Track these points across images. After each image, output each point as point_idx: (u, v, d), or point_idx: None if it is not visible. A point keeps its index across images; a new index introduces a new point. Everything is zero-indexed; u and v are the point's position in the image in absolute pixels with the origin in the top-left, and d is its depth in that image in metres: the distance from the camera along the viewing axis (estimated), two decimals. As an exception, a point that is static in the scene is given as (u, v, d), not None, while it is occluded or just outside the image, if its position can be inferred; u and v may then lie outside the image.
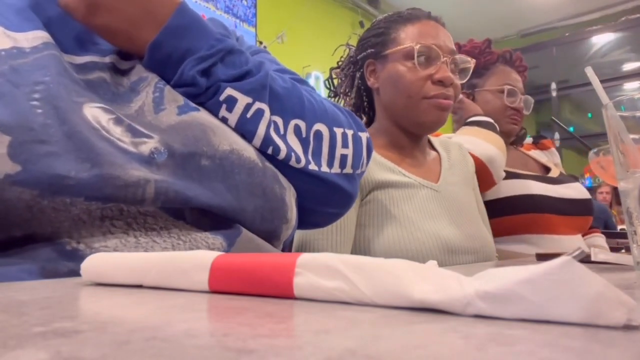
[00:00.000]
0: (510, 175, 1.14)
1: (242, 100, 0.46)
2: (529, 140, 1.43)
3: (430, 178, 0.89)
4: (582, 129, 4.40)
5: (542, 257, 0.59)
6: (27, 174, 0.33)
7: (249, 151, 0.45)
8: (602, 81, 0.51)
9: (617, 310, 0.15)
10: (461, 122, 1.17)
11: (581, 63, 4.43)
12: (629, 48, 4.37)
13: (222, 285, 0.23)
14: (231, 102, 0.45)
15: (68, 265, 0.34)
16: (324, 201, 0.54)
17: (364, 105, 0.97)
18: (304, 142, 0.49)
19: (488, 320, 0.16)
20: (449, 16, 1.15)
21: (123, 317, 0.18)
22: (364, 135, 0.56)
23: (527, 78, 1.31)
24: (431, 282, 0.18)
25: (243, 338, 0.14)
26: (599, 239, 1.30)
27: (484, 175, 1.03)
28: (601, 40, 4.50)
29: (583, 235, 1.23)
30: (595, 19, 4.56)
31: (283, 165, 0.48)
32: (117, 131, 0.38)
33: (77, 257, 0.34)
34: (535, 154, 1.37)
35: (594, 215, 1.25)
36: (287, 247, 0.75)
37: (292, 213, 0.50)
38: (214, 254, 0.24)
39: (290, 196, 0.49)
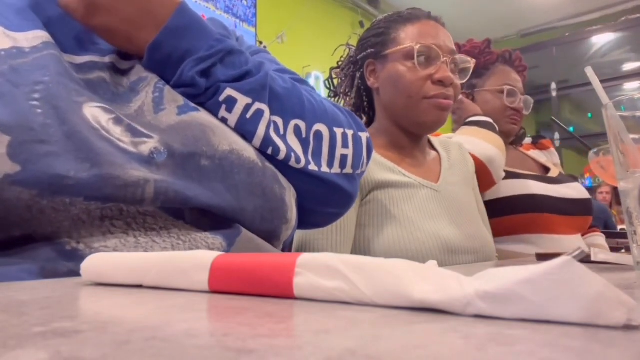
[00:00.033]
0: (509, 175, 1.14)
1: (242, 100, 0.46)
2: (528, 140, 1.43)
3: (430, 178, 0.89)
4: (582, 129, 4.40)
5: (542, 257, 0.59)
6: (27, 173, 0.33)
7: (248, 151, 0.45)
8: (602, 81, 0.51)
9: (617, 310, 0.15)
10: (460, 122, 1.17)
11: (581, 63, 4.43)
12: (629, 48, 4.37)
13: (222, 285, 0.23)
14: (231, 103, 0.45)
15: (68, 265, 0.34)
16: (324, 201, 0.54)
17: (364, 105, 0.97)
18: (304, 143, 0.49)
19: (488, 320, 0.16)
20: (449, 16, 1.15)
21: (123, 317, 0.18)
22: (364, 135, 0.56)
23: (526, 78, 1.31)
24: (431, 282, 0.18)
25: (243, 338, 0.14)
26: (599, 238, 1.30)
27: (483, 175, 1.03)
28: (601, 40, 4.51)
29: (583, 235, 1.23)
30: (595, 19, 4.56)
31: (283, 166, 0.48)
32: (116, 131, 0.38)
33: (77, 257, 0.34)
34: (535, 154, 1.37)
35: (594, 215, 1.25)
36: (287, 247, 0.75)
37: (292, 213, 0.50)
38: (214, 254, 0.24)
39: (290, 196, 0.49)
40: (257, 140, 0.46)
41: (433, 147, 1.00)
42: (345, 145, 0.53)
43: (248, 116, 0.46)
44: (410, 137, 0.92)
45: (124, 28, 0.45)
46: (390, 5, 4.16)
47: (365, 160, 0.56)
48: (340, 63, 1.01)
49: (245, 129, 0.46)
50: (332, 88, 1.02)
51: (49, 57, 0.39)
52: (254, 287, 0.22)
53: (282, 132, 0.48)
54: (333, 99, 1.00)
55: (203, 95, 0.45)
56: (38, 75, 0.37)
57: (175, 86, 0.45)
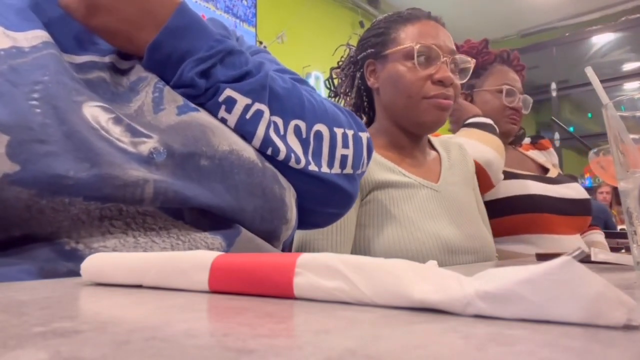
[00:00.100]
0: (509, 176, 1.14)
1: (242, 101, 0.46)
2: (527, 140, 1.43)
3: (430, 178, 0.89)
4: (582, 129, 4.40)
5: (542, 257, 0.59)
6: (26, 173, 0.33)
7: (248, 151, 0.45)
8: (602, 81, 0.51)
9: (617, 310, 0.15)
10: (459, 123, 1.17)
11: (581, 63, 4.43)
12: (629, 48, 4.37)
13: (222, 285, 0.23)
14: (230, 103, 0.45)
15: (67, 265, 0.34)
16: (324, 201, 0.54)
17: (364, 105, 0.97)
18: (304, 143, 0.49)
19: (488, 320, 0.16)
20: (449, 16, 1.15)
21: (123, 317, 0.18)
22: (364, 136, 0.56)
23: (525, 77, 1.31)
24: (431, 282, 0.18)
25: (243, 338, 0.14)
26: (598, 235, 1.30)
27: (481, 178, 1.03)
28: (601, 40, 4.51)
29: (582, 233, 1.23)
30: (595, 19, 4.56)
31: (283, 166, 0.48)
32: (116, 131, 0.38)
33: (76, 257, 0.34)
34: (534, 154, 1.37)
35: (594, 215, 1.25)
36: (287, 247, 0.75)
37: (292, 213, 0.50)
38: (214, 254, 0.24)
39: (290, 196, 0.49)
40: (257, 140, 0.46)
41: (433, 147, 1.00)
42: (345, 145, 0.53)
43: (248, 117, 0.46)
44: (410, 137, 0.92)
45: (124, 28, 0.45)
46: (390, 5, 4.16)
47: (365, 161, 0.56)
48: (340, 63, 1.01)
49: (244, 130, 0.46)
50: (332, 88, 1.02)
51: (48, 56, 0.39)
52: (254, 287, 0.22)
53: (282, 132, 0.48)
54: (333, 99, 1.00)
55: (203, 96, 0.45)
56: (37, 75, 0.37)
57: (175, 86, 0.45)
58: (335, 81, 1.01)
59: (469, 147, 1.04)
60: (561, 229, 1.12)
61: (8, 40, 0.39)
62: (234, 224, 0.43)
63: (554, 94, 4.56)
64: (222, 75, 0.45)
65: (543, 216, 1.10)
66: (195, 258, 0.24)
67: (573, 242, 1.13)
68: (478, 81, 1.26)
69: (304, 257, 0.21)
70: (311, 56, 3.48)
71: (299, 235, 0.79)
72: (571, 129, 4.12)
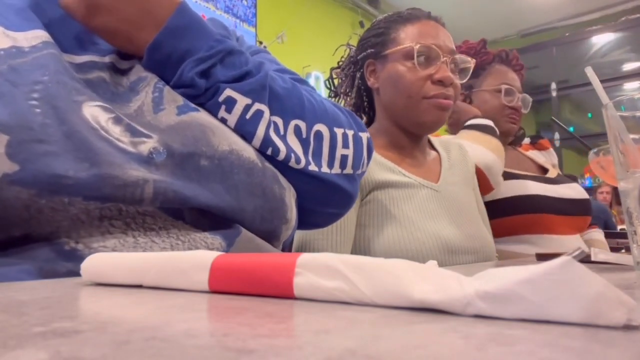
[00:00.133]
0: (509, 176, 1.14)
1: (242, 101, 0.46)
2: (526, 140, 1.43)
3: (430, 178, 0.89)
4: (582, 129, 4.40)
5: (542, 257, 0.59)
6: (26, 173, 0.32)
7: (248, 151, 0.45)
8: (602, 81, 0.51)
9: (617, 310, 0.15)
10: (458, 125, 1.17)
11: (581, 63, 4.43)
12: (629, 48, 4.37)
13: (222, 285, 0.23)
14: (230, 103, 0.45)
15: (66, 265, 0.34)
16: (324, 202, 0.54)
17: (364, 105, 0.97)
18: (304, 143, 0.49)
19: (488, 320, 0.16)
20: (449, 16, 1.15)
21: (123, 317, 0.18)
22: (364, 136, 0.56)
23: (524, 77, 1.31)
24: (431, 282, 0.18)
25: (243, 338, 0.14)
26: (597, 234, 1.30)
27: (481, 181, 1.04)
28: (601, 40, 4.50)
29: (582, 233, 1.23)
30: (595, 19, 4.56)
31: (283, 166, 0.48)
32: (116, 131, 0.38)
33: (76, 257, 0.34)
34: (533, 154, 1.37)
35: (594, 215, 1.25)
36: (287, 247, 0.75)
37: (292, 213, 0.50)
38: (214, 254, 0.24)
39: (290, 196, 0.49)
40: (257, 140, 0.46)
41: (433, 147, 1.00)
42: (345, 145, 0.53)
43: (248, 117, 0.46)
44: (410, 137, 0.92)
45: (124, 28, 0.45)
46: (390, 5, 4.16)
47: (365, 161, 0.56)
48: (340, 63, 1.01)
49: (244, 130, 0.46)
50: (332, 88, 1.02)
51: (48, 56, 0.39)
52: (254, 287, 0.22)
53: (282, 132, 0.48)
54: (333, 99, 1.00)
55: (203, 96, 0.45)
56: (37, 75, 0.37)
57: (174, 86, 0.45)
58: (336, 81, 1.01)
59: (468, 150, 1.04)
60: (561, 229, 1.12)
61: (8, 40, 0.39)
62: (234, 224, 0.43)
63: (554, 94, 4.56)
64: (222, 75, 0.45)
65: (543, 216, 1.10)
66: (195, 258, 0.24)
67: (573, 242, 1.13)
68: (477, 81, 1.26)
69: (304, 257, 0.21)
70: (311, 56, 3.48)
71: (299, 235, 0.79)
72: (571, 129, 4.12)
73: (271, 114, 0.47)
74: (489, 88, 1.24)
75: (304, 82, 0.59)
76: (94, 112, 0.37)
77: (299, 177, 0.49)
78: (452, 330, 0.15)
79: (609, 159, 0.62)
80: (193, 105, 0.44)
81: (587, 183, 4.39)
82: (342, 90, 0.98)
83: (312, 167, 0.49)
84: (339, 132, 0.52)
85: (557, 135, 4.31)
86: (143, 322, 0.17)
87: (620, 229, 2.91)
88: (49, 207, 0.34)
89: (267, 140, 0.46)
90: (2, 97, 0.34)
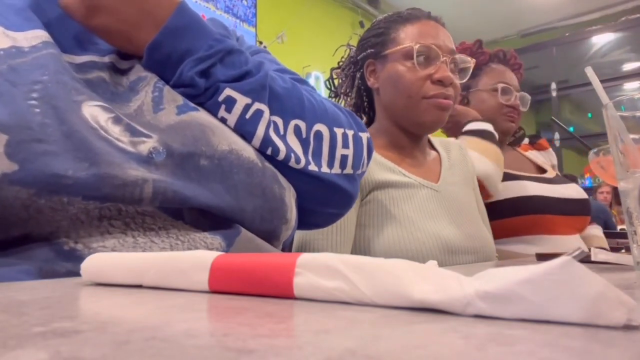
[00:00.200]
0: (508, 177, 1.14)
1: (241, 100, 0.46)
2: (525, 140, 1.43)
3: (430, 178, 0.89)
4: (582, 129, 4.40)
5: (542, 257, 0.59)
6: (25, 172, 0.32)
7: (248, 151, 0.45)
8: (602, 81, 0.51)
9: (617, 310, 0.15)
10: (458, 128, 1.16)
11: (581, 63, 4.43)
12: (629, 48, 4.37)
13: (222, 285, 0.23)
14: (230, 103, 0.45)
15: (66, 265, 0.34)
16: (324, 202, 0.54)
17: (364, 106, 0.97)
18: (304, 143, 0.49)
19: (488, 320, 0.16)
20: (449, 16, 1.15)
21: (123, 317, 0.18)
22: (364, 136, 0.56)
23: (523, 76, 1.31)
24: (431, 282, 0.18)
25: (243, 338, 0.14)
26: (596, 230, 1.30)
27: (479, 190, 1.03)
28: (601, 40, 4.50)
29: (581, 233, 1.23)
30: (595, 19, 4.56)
31: (283, 166, 0.48)
32: (115, 130, 0.38)
33: (75, 257, 0.34)
34: (533, 154, 1.37)
35: (594, 215, 1.25)
36: (287, 247, 0.75)
37: (292, 213, 0.50)
38: (214, 254, 0.24)
39: (289, 196, 0.49)
40: (257, 140, 0.46)
41: (433, 147, 1.00)
42: (345, 145, 0.52)
43: (247, 116, 0.46)
44: (410, 137, 0.92)
45: (123, 28, 0.45)
46: (390, 5, 4.16)
47: (365, 161, 0.56)
48: (340, 63, 1.01)
49: (244, 129, 0.46)
50: (332, 88, 1.02)
51: (48, 56, 0.39)
52: (254, 287, 0.22)
53: (281, 132, 0.48)
54: (334, 100, 1.00)
55: (202, 95, 0.45)
56: (37, 75, 0.37)
57: (174, 86, 0.45)
58: (336, 81, 1.01)
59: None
60: (561, 229, 1.12)
61: (8, 40, 0.39)
62: (234, 224, 0.43)
63: (554, 94, 4.56)
64: (222, 75, 0.45)
65: (544, 217, 1.10)
66: (195, 258, 0.24)
67: (573, 242, 1.13)
68: (473, 82, 1.26)
69: (304, 257, 0.21)
70: (311, 56, 3.48)
71: (299, 235, 0.79)
72: (571, 129, 4.13)
73: (271, 113, 0.47)
74: (485, 88, 1.24)
75: (304, 82, 0.59)
76: (93, 111, 0.37)
77: (298, 177, 0.49)
78: (452, 330, 0.15)
79: (609, 159, 0.62)
80: (193, 105, 0.44)
81: (587, 183, 4.39)
82: (342, 91, 0.98)
83: (312, 167, 0.49)
84: (338, 132, 0.52)
85: (557, 135, 4.31)
86: (143, 322, 0.17)
87: (620, 229, 2.91)
88: (48, 207, 0.34)
89: (266, 140, 0.46)
90: (1, 97, 0.34)
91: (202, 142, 0.41)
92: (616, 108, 0.45)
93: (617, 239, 1.61)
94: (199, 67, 0.44)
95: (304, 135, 0.49)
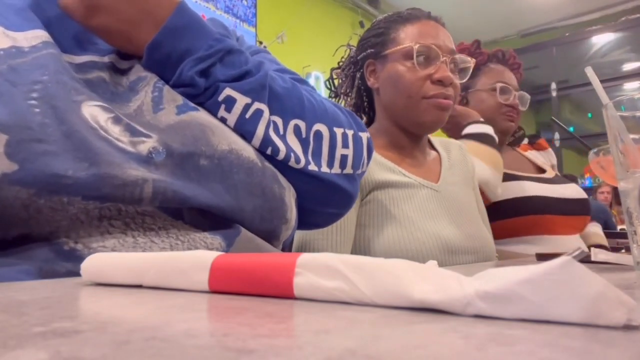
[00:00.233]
0: (508, 177, 1.14)
1: (241, 100, 0.46)
2: (524, 140, 1.43)
3: (430, 178, 0.89)
4: (582, 129, 4.40)
5: (542, 257, 0.59)
6: (25, 172, 0.32)
7: (248, 151, 0.45)
8: (602, 81, 0.51)
9: (617, 310, 0.15)
10: (458, 129, 1.16)
11: (581, 63, 4.43)
12: (629, 48, 4.37)
13: (222, 285, 0.23)
14: (230, 103, 0.45)
15: (66, 265, 0.34)
16: (324, 201, 0.54)
17: (364, 106, 0.97)
18: (304, 143, 0.49)
19: (488, 320, 0.16)
20: (449, 16, 1.15)
21: (123, 317, 0.18)
22: (364, 135, 0.56)
23: (523, 75, 1.31)
24: (431, 282, 0.18)
25: (243, 338, 0.14)
26: (595, 227, 1.30)
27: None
28: (601, 40, 4.50)
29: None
30: (595, 19, 4.56)
31: (283, 166, 0.48)
32: (115, 130, 0.38)
33: (75, 257, 0.34)
34: (532, 154, 1.37)
35: (594, 215, 1.25)
36: (287, 247, 0.75)
37: (292, 213, 0.50)
38: (214, 254, 0.24)
39: (289, 196, 0.49)
40: (257, 140, 0.46)
41: (433, 147, 1.00)
42: (345, 145, 0.52)
43: (247, 116, 0.46)
44: (410, 137, 0.92)
45: (123, 28, 0.45)
46: (390, 5, 4.16)
47: (365, 161, 0.56)
48: (340, 63, 1.01)
49: (244, 129, 0.46)
50: (332, 88, 1.02)
51: (48, 56, 0.39)
52: (254, 287, 0.22)
53: (281, 132, 0.48)
54: (334, 100, 1.00)
55: (202, 95, 0.45)
56: (37, 75, 0.37)
57: (174, 86, 0.45)
58: (336, 81, 1.01)
59: None
60: (561, 229, 1.12)
61: (8, 40, 0.39)
62: (234, 224, 0.43)
63: (554, 94, 4.56)
64: (222, 75, 0.45)
65: (544, 217, 1.11)
66: (195, 258, 0.24)
67: (573, 242, 1.13)
68: (472, 82, 1.26)
69: (304, 257, 0.21)
70: (311, 56, 3.47)
71: (299, 235, 0.79)
72: (571, 129, 4.12)
73: (271, 113, 0.47)
74: (484, 87, 1.24)
75: (304, 82, 0.59)
76: (93, 111, 0.37)
77: (298, 177, 0.49)
78: (452, 330, 0.15)
79: (609, 159, 0.62)
80: (192, 105, 0.44)
81: (587, 183, 4.39)
82: (342, 91, 0.98)
83: (312, 167, 0.49)
84: (338, 131, 0.52)
85: (557, 135, 4.31)
86: (143, 322, 0.17)
87: (620, 229, 2.91)
88: (48, 207, 0.34)
89: (266, 140, 0.46)
90: (1, 97, 0.34)
91: (201, 142, 0.41)
92: (616, 108, 0.45)
93: (617, 239, 1.61)
94: (198, 67, 0.44)
95: (303, 135, 0.49)
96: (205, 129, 0.42)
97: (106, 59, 0.45)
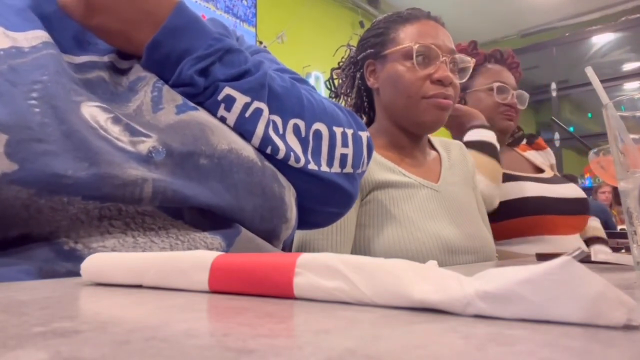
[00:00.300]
0: (508, 178, 1.14)
1: (241, 99, 0.46)
2: (523, 141, 1.43)
3: (430, 178, 0.89)
4: (582, 129, 4.40)
5: (542, 257, 0.59)
6: (25, 172, 0.32)
7: (247, 150, 0.45)
8: (602, 81, 0.51)
9: (617, 310, 0.15)
10: (462, 129, 1.16)
11: (581, 63, 4.43)
12: (629, 48, 4.37)
13: (222, 285, 0.23)
14: (229, 102, 0.45)
15: (66, 265, 0.34)
16: (324, 201, 0.54)
17: (364, 106, 0.97)
18: (303, 142, 0.49)
19: (488, 320, 0.16)
20: (449, 16, 1.15)
21: (123, 317, 0.18)
22: (364, 135, 0.56)
23: (521, 75, 1.31)
24: (431, 282, 0.18)
25: (243, 338, 0.14)
26: (594, 222, 1.30)
27: None
28: (601, 40, 4.50)
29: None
30: (595, 19, 4.56)
31: (282, 165, 0.48)
32: (115, 130, 0.38)
33: (75, 257, 0.34)
34: (531, 154, 1.37)
35: (593, 215, 1.25)
36: (287, 247, 0.75)
37: (292, 212, 0.50)
38: (214, 253, 0.24)
39: (289, 195, 0.49)
40: (256, 139, 0.46)
41: (433, 147, 1.00)
42: (344, 144, 0.52)
43: (247, 115, 0.46)
44: (410, 137, 0.92)
45: (122, 28, 0.45)
46: (390, 5, 4.16)
47: (365, 160, 0.56)
48: (340, 63, 1.01)
49: (244, 128, 0.46)
50: (333, 89, 1.02)
51: (48, 56, 0.39)
52: (254, 287, 0.22)
53: (281, 131, 0.48)
54: (334, 100, 1.00)
55: (202, 94, 0.45)
56: (37, 75, 0.37)
57: (174, 85, 0.45)
58: (336, 82, 1.01)
59: None
60: (562, 229, 1.12)
61: (8, 40, 0.39)
62: (234, 224, 0.43)
63: (554, 94, 4.56)
64: (221, 74, 0.45)
65: (544, 218, 1.11)
66: (195, 258, 0.24)
67: (573, 242, 1.13)
68: (470, 82, 1.26)
69: (304, 257, 0.21)
70: (311, 56, 3.47)
71: (299, 235, 0.79)
72: (571, 129, 4.12)
73: (270, 112, 0.47)
74: (482, 87, 1.24)
75: (303, 81, 0.59)
76: (92, 111, 0.37)
77: (298, 176, 0.49)
78: (452, 330, 0.15)
79: (609, 159, 0.62)
80: (192, 104, 0.44)
81: (587, 183, 4.39)
82: (342, 91, 0.98)
83: (312, 166, 0.49)
84: (338, 131, 0.52)
85: (557, 135, 4.31)
86: (143, 322, 0.17)
87: (620, 229, 2.91)
88: (48, 207, 0.34)
89: (266, 139, 0.46)
90: (1, 97, 0.34)
91: (201, 142, 0.41)
92: (616, 108, 0.45)
93: (617, 239, 1.61)
94: (198, 66, 0.44)
95: (303, 134, 0.49)
96: (205, 129, 0.42)
97: (106, 59, 0.45)
